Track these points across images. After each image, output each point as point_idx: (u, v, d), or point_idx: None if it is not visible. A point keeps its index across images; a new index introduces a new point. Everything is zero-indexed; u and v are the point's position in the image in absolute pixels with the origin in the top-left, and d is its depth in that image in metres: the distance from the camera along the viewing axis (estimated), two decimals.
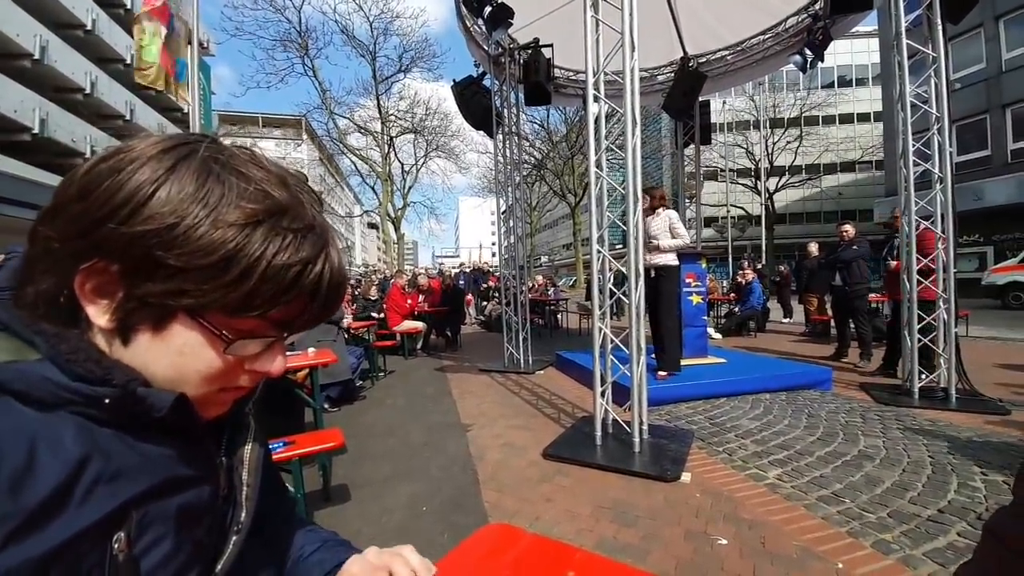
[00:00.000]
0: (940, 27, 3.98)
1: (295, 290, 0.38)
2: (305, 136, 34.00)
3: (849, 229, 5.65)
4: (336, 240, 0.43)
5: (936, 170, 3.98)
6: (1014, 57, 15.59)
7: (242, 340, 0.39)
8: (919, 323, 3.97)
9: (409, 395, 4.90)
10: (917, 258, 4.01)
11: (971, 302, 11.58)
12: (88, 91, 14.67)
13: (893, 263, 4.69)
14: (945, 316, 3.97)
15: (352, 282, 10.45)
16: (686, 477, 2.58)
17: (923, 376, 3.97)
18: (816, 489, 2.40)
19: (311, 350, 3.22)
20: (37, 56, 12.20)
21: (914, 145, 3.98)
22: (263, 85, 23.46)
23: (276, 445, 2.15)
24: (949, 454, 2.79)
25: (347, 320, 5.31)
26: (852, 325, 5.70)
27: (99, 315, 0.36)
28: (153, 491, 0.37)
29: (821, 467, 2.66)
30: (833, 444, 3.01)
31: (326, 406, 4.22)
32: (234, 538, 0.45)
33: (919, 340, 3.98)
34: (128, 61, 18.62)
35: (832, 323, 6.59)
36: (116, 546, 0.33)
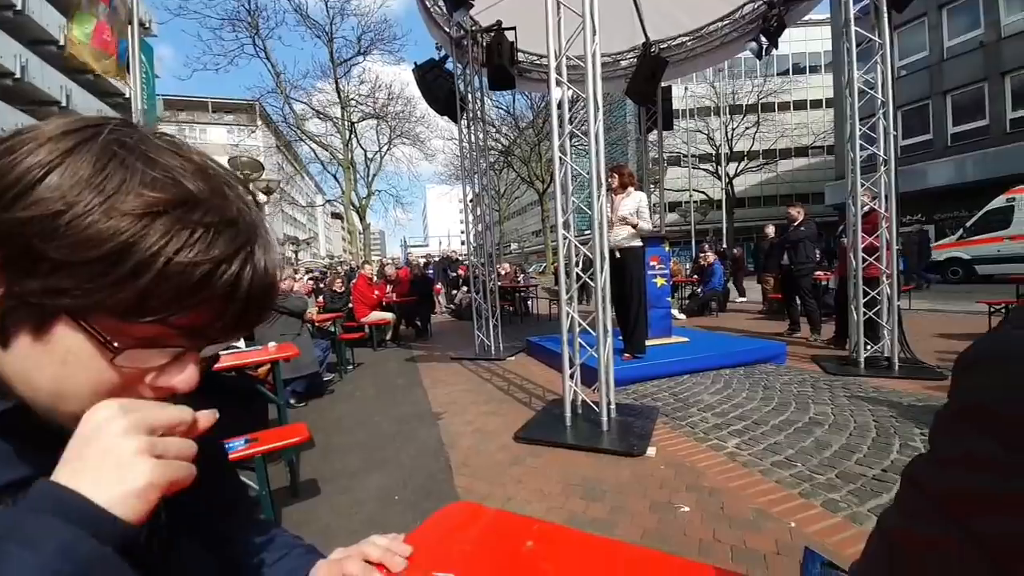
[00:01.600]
0: (886, 15, 4.17)
1: (203, 293, 0.33)
2: (259, 122, 32.44)
3: (794, 211, 5.94)
4: (269, 242, 0.39)
5: (881, 153, 4.21)
6: (955, 45, 16.55)
7: (135, 350, 0.34)
8: (865, 298, 4.24)
9: (379, 387, 4.84)
10: (863, 236, 4.25)
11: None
12: (18, 75, 13.50)
13: (845, 240, 4.97)
14: (889, 291, 4.24)
15: (316, 274, 10.16)
16: (651, 451, 2.67)
17: (868, 347, 4.24)
18: (771, 455, 2.54)
19: (272, 344, 3.12)
20: None
21: (861, 129, 4.18)
22: (211, 67, 22.12)
23: (238, 443, 2.09)
24: (892, 418, 3.00)
25: (311, 311, 5.16)
26: (800, 302, 6.02)
27: None
28: (16, 484, 0.34)
29: (775, 435, 2.82)
30: (786, 413, 3.19)
31: (292, 401, 4.13)
32: (154, 540, 0.40)
33: (864, 314, 4.25)
34: (61, 42, 17.20)
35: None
36: None
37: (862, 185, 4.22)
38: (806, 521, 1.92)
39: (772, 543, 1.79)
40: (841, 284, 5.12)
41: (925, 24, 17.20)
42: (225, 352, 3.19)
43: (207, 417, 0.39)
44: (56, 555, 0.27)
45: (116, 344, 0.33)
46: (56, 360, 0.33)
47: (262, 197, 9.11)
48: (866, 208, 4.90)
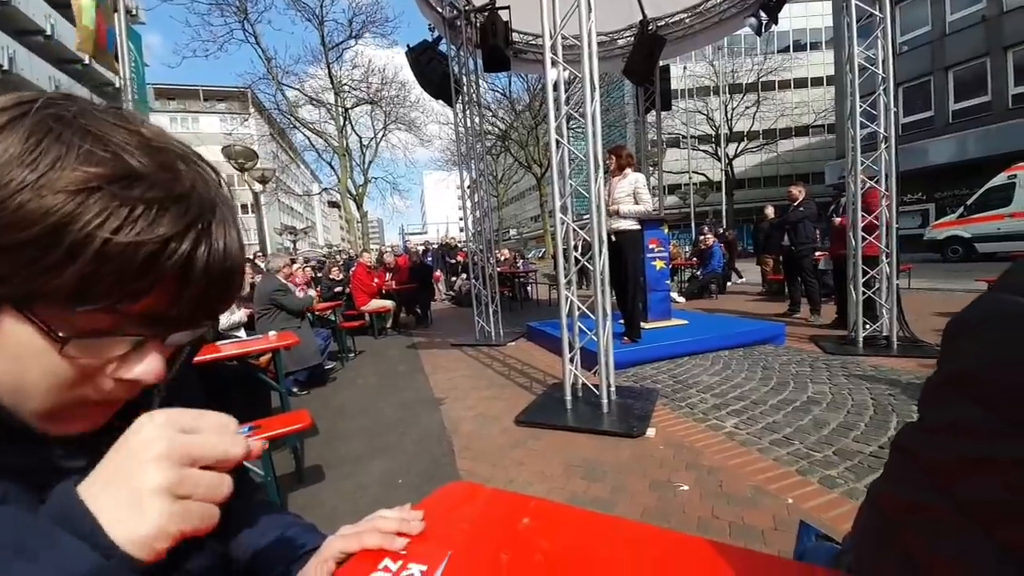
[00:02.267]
0: None
1: (151, 275, 0.31)
2: (252, 110, 31.99)
3: (795, 191, 5.91)
4: (230, 220, 0.36)
5: (882, 130, 4.16)
6: (957, 19, 16.22)
7: (85, 340, 0.32)
8: (863, 277, 4.24)
9: (381, 374, 4.87)
10: (862, 215, 4.23)
11: (914, 256, 12.40)
12: (6, 67, 13.30)
13: (838, 220, 4.96)
14: (888, 270, 4.24)
15: (315, 263, 10.14)
16: (651, 432, 2.70)
17: (867, 327, 4.26)
18: (769, 434, 2.57)
19: (272, 334, 3.13)
20: None
21: (861, 106, 4.12)
22: (200, 54, 21.84)
23: (241, 431, 2.10)
24: (890, 396, 3.03)
25: (311, 293, 5.17)
26: (801, 282, 6.03)
27: None
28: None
29: (773, 414, 2.85)
30: (784, 392, 3.21)
31: (294, 390, 4.16)
32: None
33: (864, 293, 4.25)
34: (48, 32, 16.90)
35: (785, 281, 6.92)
36: None
37: (862, 163, 4.19)
38: (803, 497, 1.95)
39: (770, 519, 1.82)
40: (836, 264, 5.12)
41: None
42: (226, 342, 3.20)
43: (257, 448, 0.37)
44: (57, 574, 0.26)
45: (61, 334, 0.31)
46: (7, 356, 0.31)
47: (258, 186, 9.04)
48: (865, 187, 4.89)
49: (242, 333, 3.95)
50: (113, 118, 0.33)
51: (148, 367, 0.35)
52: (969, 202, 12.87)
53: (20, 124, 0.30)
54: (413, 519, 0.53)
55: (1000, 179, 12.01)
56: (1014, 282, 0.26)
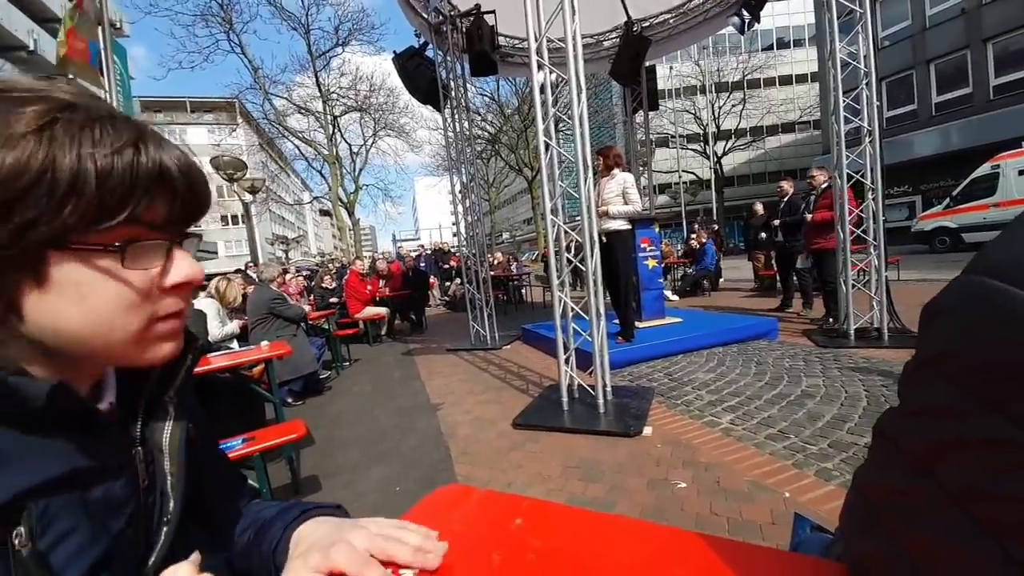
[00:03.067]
0: None
1: (142, 179, 0.35)
2: (240, 120, 31.84)
3: (786, 186, 5.98)
4: (161, 134, 0.39)
5: (866, 124, 4.21)
6: (937, 13, 16.48)
7: (133, 247, 0.35)
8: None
9: (376, 381, 4.84)
10: (820, 212, 4.31)
11: (902, 248, 12.54)
12: None
13: (810, 216, 5.05)
14: (876, 262, 4.29)
15: (307, 272, 10.09)
16: (648, 431, 2.71)
17: (830, 320, 4.31)
18: (765, 429, 2.58)
19: (264, 344, 3.10)
20: None
21: (845, 101, 4.18)
22: (186, 65, 21.80)
23: (235, 443, 2.08)
24: (883, 387, 3.05)
25: (306, 307, 5.13)
26: (794, 277, 6.08)
27: None
28: (52, 484, 0.34)
29: (769, 409, 2.86)
30: (779, 387, 3.23)
31: (289, 400, 4.12)
32: (164, 529, 0.43)
33: (853, 286, 4.30)
34: (32, 48, 16.75)
35: (777, 277, 6.97)
36: (16, 541, 0.32)
37: (847, 158, 4.24)
38: (800, 491, 1.96)
39: (767, 514, 1.83)
40: (815, 257, 5.20)
41: None
42: (218, 354, 3.17)
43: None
44: None
45: (116, 243, 0.35)
46: (74, 298, 0.34)
47: (248, 196, 8.99)
48: (825, 184, 4.99)
49: (235, 345, 3.91)
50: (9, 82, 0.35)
51: (186, 267, 0.40)
52: (955, 193, 13.04)
53: None
54: (434, 551, 0.47)
55: (984, 169, 12.19)
56: (984, 264, 0.26)
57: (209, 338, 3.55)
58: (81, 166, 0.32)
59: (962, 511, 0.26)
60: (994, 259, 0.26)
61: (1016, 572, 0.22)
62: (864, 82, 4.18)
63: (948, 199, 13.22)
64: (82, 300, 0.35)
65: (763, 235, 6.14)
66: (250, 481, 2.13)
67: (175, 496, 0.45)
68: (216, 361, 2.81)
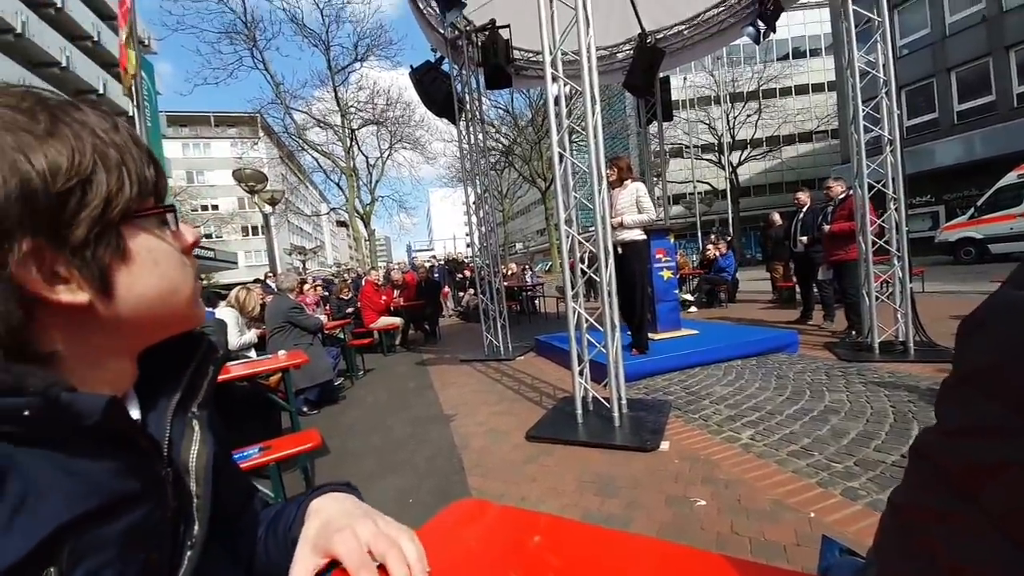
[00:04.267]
0: None
1: (147, 153, 0.40)
2: (262, 134, 32.75)
3: (803, 196, 5.89)
4: None
5: (886, 134, 4.14)
6: (957, 21, 16.24)
7: (160, 215, 0.41)
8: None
9: (390, 391, 4.86)
10: (839, 222, 4.22)
11: (925, 259, 12.22)
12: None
13: (827, 227, 4.94)
14: (900, 273, 4.17)
15: (321, 283, 10.24)
16: (665, 445, 2.65)
17: (853, 334, 4.18)
18: (787, 445, 2.51)
19: (282, 353, 3.14)
20: None
21: (864, 110, 4.12)
22: (211, 81, 22.54)
23: (251, 451, 2.10)
24: (910, 402, 2.95)
25: (322, 318, 5.20)
26: (815, 289, 5.95)
27: (73, 293, 0.34)
28: (90, 516, 0.32)
29: (790, 424, 2.78)
30: (801, 402, 3.14)
31: (305, 409, 4.16)
32: (188, 554, 0.41)
33: (876, 298, 4.19)
34: (64, 64, 17.53)
35: (797, 288, 6.83)
36: None
37: (868, 167, 4.16)
38: (825, 511, 1.89)
39: (792, 534, 1.76)
40: (835, 269, 5.08)
41: (925, 1, 16.91)
42: (236, 363, 3.22)
43: None
44: None
45: (168, 206, 0.41)
46: (149, 265, 0.39)
47: (268, 208, 9.19)
48: (842, 195, 4.89)
49: (253, 354, 3.97)
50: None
51: (192, 230, 0.45)
52: (980, 203, 12.69)
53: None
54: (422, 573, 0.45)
55: (1010, 178, 11.85)
56: None
57: (228, 347, 3.61)
58: (117, 145, 0.37)
59: (1007, 537, 0.24)
60: None
61: None
62: (883, 91, 4.12)
63: (973, 209, 12.86)
64: (156, 266, 0.39)
65: (804, 239, 5.83)
66: (265, 490, 2.15)
67: (200, 519, 0.42)
68: (234, 370, 2.85)
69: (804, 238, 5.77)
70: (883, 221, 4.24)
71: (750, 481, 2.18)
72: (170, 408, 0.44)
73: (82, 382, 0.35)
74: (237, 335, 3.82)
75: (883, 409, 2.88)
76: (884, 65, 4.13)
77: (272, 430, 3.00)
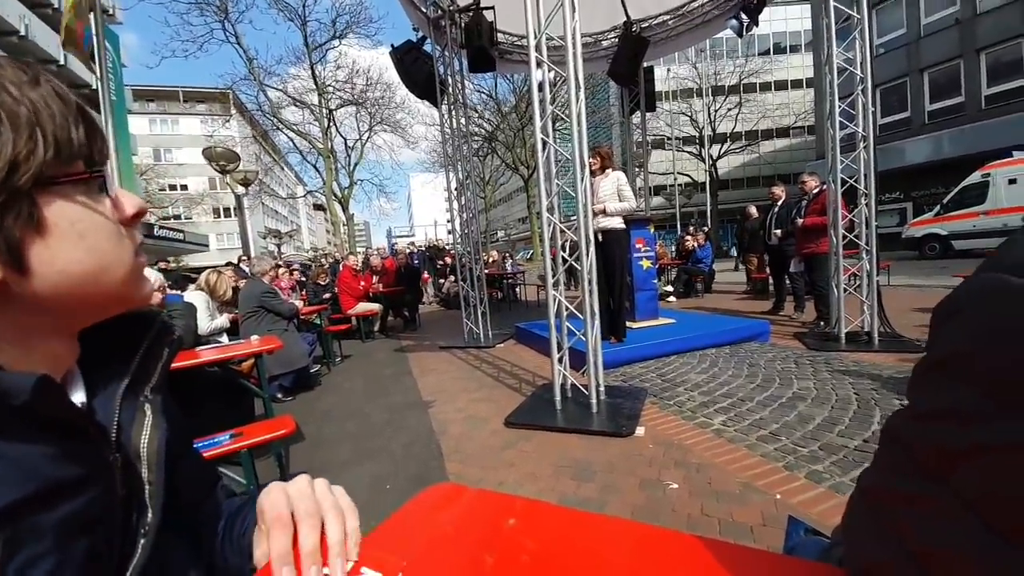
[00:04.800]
0: None
1: (73, 112, 0.36)
2: (234, 111, 31.46)
3: (777, 191, 6.04)
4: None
5: (860, 130, 4.24)
6: (932, 22, 16.67)
7: (96, 180, 0.37)
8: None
9: (368, 377, 4.81)
10: (811, 216, 4.34)
11: (892, 254, 12.68)
12: None
13: (800, 221, 5.10)
14: (868, 267, 4.32)
15: (299, 268, 10.01)
16: (640, 431, 2.71)
17: (834, 325, 4.35)
18: (756, 430, 2.59)
19: (254, 338, 3.06)
20: None
21: (840, 107, 4.20)
22: (179, 54, 21.67)
23: (223, 438, 2.05)
24: (872, 390, 3.08)
25: (298, 303, 5.08)
26: (788, 281, 6.12)
27: None
28: (26, 502, 0.30)
29: (760, 410, 2.88)
30: (770, 389, 3.25)
31: (279, 395, 4.08)
32: (142, 542, 0.39)
33: (844, 290, 4.34)
34: (23, 33, 16.47)
35: (770, 280, 7.02)
36: None
37: (842, 163, 4.27)
38: (790, 493, 1.96)
39: (758, 515, 1.83)
40: (806, 262, 5.24)
41: (903, 1, 17.29)
42: (207, 348, 3.13)
43: None
44: None
45: (93, 171, 0.36)
46: (74, 237, 0.35)
47: (240, 189, 8.88)
48: (816, 190, 5.05)
49: (224, 339, 3.86)
50: None
51: (134, 198, 0.41)
52: (945, 200, 13.20)
53: None
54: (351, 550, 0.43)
55: (975, 177, 12.35)
56: (1004, 261, 0.25)
57: (199, 331, 3.50)
58: (32, 101, 0.33)
59: (978, 519, 0.24)
60: (1016, 255, 0.25)
61: None
62: (860, 88, 4.21)
63: (939, 206, 13.38)
64: (82, 238, 0.35)
65: (778, 232, 5.97)
66: (237, 477, 2.10)
67: (154, 506, 0.41)
68: (205, 355, 2.77)
69: (778, 231, 5.91)
70: (853, 216, 4.37)
71: (720, 465, 2.24)
72: (119, 392, 0.42)
73: (10, 363, 0.33)
74: (208, 319, 3.70)
75: (847, 396, 3.00)
76: (861, 63, 4.21)
77: (245, 416, 2.93)
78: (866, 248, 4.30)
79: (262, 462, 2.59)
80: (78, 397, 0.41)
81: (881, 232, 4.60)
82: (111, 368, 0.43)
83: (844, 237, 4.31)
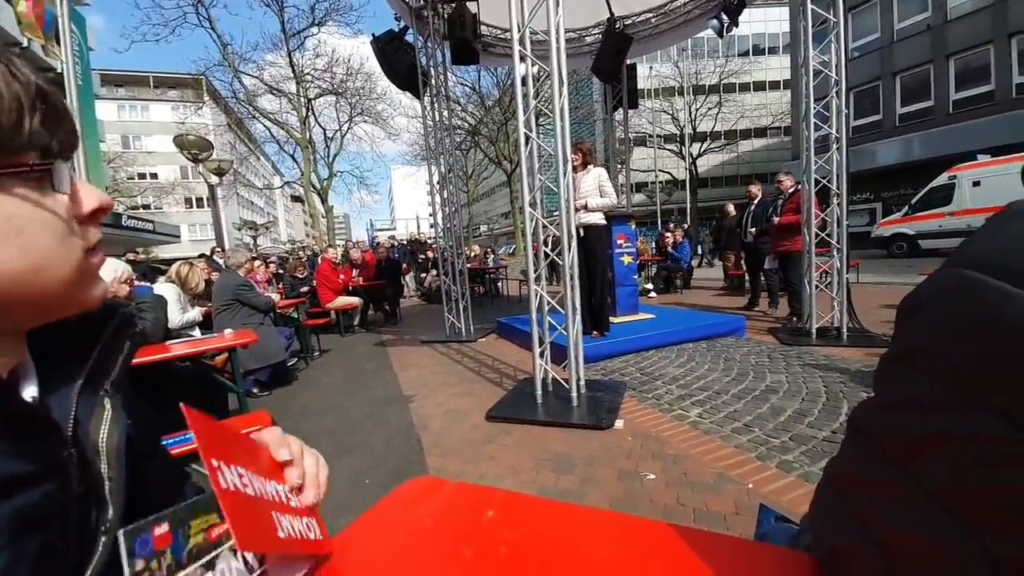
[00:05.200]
0: None
1: (29, 99, 0.33)
2: (207, 98, 30.41)
3: (754, 189, 6.18)
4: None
5: (834, 132, 4.36)
6: (905, 27, 17.20)
7: (51, 169, 0.34)
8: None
9: (347, 372, 4.75)
10: (786, 215, 4.47)
11: (862, 253, 13.13)
12: None
13: (776, 219, 5.24)
14: (838, 265, 4.47)
15: (275, 260, 9.78)
16: (619, 424, 2.75)
17: (806, 321, 4.50)
18: (730, 422, 2.66)
19: (228, 331, 2.98)
20: None
21: (816, 108, 4.31)
22: (150, 38, 20.76)
23: (191, 435, 1.99)
24: (841, 383, 3.19)
25: (275, 297, 4.97)
26: (762, 277, 6.29)
27: None
28: None
29: (735, 403, 2.95)
30: (745, 382, 3.33)
31: (254, 390, 4.00)
32: (103, 539, 0.38)
33: (816, 287, 4.48)
34: None
35: (746, 276, 7.18)
36: None
37: (816, 163, 4.39)
38: (762, 482, 2.03)
39: (731, 504, 1.88)
40: (781, 260, 5.40)
41: (877, 6, 17.79)
42: (178, 341, 3.04)
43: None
44: None
45: (33, 165, 0.33)
46: (9, 235, 0.32)
47: (214, 179, 8.62)
48: (791, 190, 5.20)
49: (196, 333, 3.75)
50: None
51: (96, 193, 0.39)
52: (913, 201, 13.70)
53: None
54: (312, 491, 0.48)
55: (942, 179, 12.85)
56: (964, 257, 0.26)
57: (169, 325, 3.39)
58: None
59: (939, 505, 0.25)
60: (975, 252, 0.26)
61: (992, 566, 0.22)
62: (834, 90, 4.32)
63: (907, 207, 13.88)
64: (19, 235, 0.32)
65: (753, 230, 6.16)
66: (197, 468, 2.06)
67: (114, 503, 0.40)
68: (176, 349, 2.69)
69: (753, 230, 6.06)
70: (826, 215, 4.51)
71: (696, 456, 2.30)
72: (76, 386, 0.41)
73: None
74: (179, 312, 3.59)
75: (817, 389, 3.11)
76: (836, 65, 4.32)
77: (218, 412, 2.86)
78: (837, 247, 4.44)
79: None
80: (29, 392, 0.39)
81: (851, 231, 4.76)
82: (68, 362, 0.41)
83: (816, 236, 4.44)
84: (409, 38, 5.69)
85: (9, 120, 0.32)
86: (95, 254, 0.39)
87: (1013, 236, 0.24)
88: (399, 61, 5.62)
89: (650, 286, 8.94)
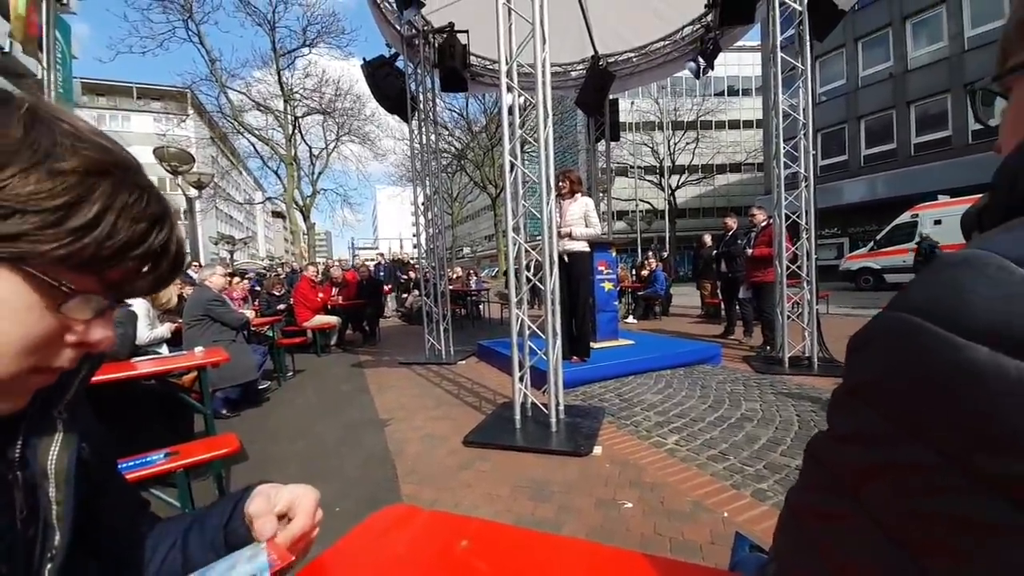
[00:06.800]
0: (808, 44, 4.57)
1: (141, 248, 0.36)
2: (191, 111, 30.15)
3: (729, 222, 6.43)
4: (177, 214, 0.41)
5: (802, 170, 4.60)
6: (869, 75, 18.47)
7: (78, 297, 0.35)
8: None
9: (322, 393, 4.62)
10: (760, 247, 4.66)
11: (831, 285, 13.61)
12: None
13: (750, 251, 5.44)
14: (808, 296, 4.63)
15: (251, 276, 9.58)
16: (598, 450, 2.74)
17: (779, 350, 4.63)
18: (707, 450, 2.68)
19: (199, 349, 2.89)
20: None
21: (785, 148, 4.55)
22: (136, 50, 20.52)
23: (156, 457, 1.91)
24: (812, 412, 3.27)
25: (249, 314, 4.84)
26: (737, 307, 6.45)
27: None
28: None
29: (711, 430, 2.98)
30: (720, 410, 3.38)
31: (223, 411, 3.85)
32: (48, 566, 0.37)
33: (788, 317, 4.62)
34: None
35: (722, 305, 7.36)
36: None
37: (786, 199, 4.60)
38: (737, 511, 2.04)
39: (707, 534, 1.88)
40: (754, 290, 5.58)
41: (843, 55, 19.08)
42: (144, 359, 2.92)
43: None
44: None
45: (72, 287, 0.34)
46: None
47: (193, 192, 8.48)
48: (764, 223, 5.44)
49: (164, 350, 3.62)
50: (73, 115, 0.37)
51: (105, 332, 0.39)
52: (879, 237, 14.44)
53: (8, 110, 0.33)
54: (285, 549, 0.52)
55: (904, 217, 13.64)
56: (905, 302, 0.29)
57: (136, 341, 3.26)
58: (103, 216, 0.34)
59: (884, 534, 0.27)
60: (914, 298, 0.29)
61: None
62: (802, 132, 4.58)
63: (872, 242, 14.60)
64: None
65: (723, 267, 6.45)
66: (171, 500, 1.96)
67: (61, 528, 0.39)
68: (141, 367, 2.58)
69: (714, 252, 6.30)
70: (796, 248, 4.70)
71: (673, 484, 2.30)
72: (26, 408, 0.40)
73: None
74: (147, 328, 3.46)
75: (790, 417, 3.17)
76: (804, 109, 4.59)
77: (183, 433, 2.74)
78: (807, 279, 4.61)
79: (200, 483, 2.42)
80: None
81: (820, 264, 4.95)
82: None
83: (788, 268, 4.61)
84: (399, 64, 5.81)
85: (101, 253, 0.34)
86: (42, 374, 0.37)
87: (944, 286, 0.27)
88: (389, 85, 5.72)
89: (630, 318, 9.06)
